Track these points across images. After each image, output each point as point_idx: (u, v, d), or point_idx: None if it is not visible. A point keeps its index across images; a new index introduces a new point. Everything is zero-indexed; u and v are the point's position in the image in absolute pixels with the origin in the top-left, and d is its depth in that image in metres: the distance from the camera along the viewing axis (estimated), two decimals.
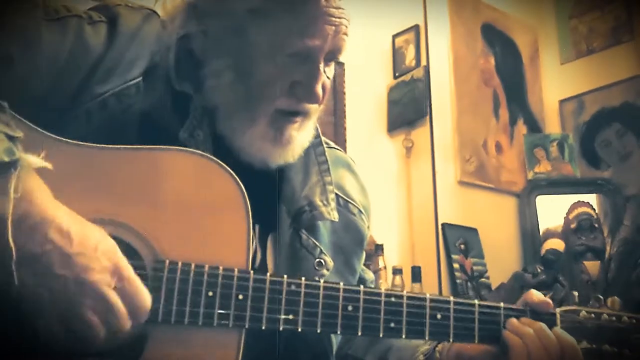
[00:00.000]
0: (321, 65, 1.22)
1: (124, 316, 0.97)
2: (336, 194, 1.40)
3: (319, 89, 1.23)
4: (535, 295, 1.24)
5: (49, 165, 0.97)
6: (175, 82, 1.23)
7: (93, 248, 0.96)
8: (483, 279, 3.84)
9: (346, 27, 1.22)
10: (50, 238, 0.92)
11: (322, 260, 1.25)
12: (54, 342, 0.94)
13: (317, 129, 1.40)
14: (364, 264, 1.52)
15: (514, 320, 1.20)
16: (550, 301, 1.23)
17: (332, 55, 1.25)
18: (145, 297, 1.00)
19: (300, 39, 1.18)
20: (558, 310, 1.24)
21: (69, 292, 0.92)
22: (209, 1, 1.24)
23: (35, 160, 0.97)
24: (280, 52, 1.19)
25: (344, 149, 3.67)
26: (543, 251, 3.89)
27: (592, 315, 1.24)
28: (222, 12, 1.22)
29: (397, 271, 3.51)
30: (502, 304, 1.21)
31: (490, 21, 4.37)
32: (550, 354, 1.16)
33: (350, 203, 1.45)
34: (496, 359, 1.22)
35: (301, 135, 1.28)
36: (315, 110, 1.29)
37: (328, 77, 1.27)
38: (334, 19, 1.19)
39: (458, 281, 3.74)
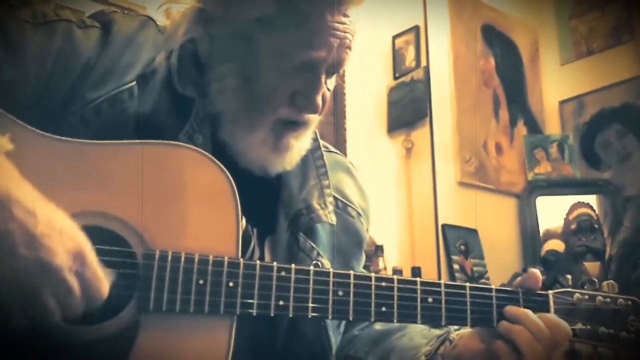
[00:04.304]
0: (323, 77, 1.24)
1: (79, 302, 0.95)
2: (335, 197, 1.40)
3: (319, 100, 1.24)
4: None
5: (11, 147, 0.96)
6: (178, 86, 1.23)
7: (58, 231, 0.94)
8: (483, 280, 3.84)
9: (350, 41, 1.23)
10: (15, 216, 0.90)
11: (318, 263, 1.25)
12: (7, 324, 0.92)
13: (316, 132, 1.41)
14: (364, 266, 1.52)
15: (502, 324, 1.19)
16: (537, 271, 1.23)
17: (335, 68, 1.26)
18: (102, 285, 0.97)
19: (304, 50, 1.19)
20: (551, 292, 1.23)
21: (31, 273, 0.90)
22: (217, 6, 1.25)
23: (1, 142, 0.96)
24: (285, 62, 1.20)
25: (344, 149, 3.68)
26: (543, 252, 3.89)
27: (586, 297, 1.23)
28: (230, 19, 1.23)
29: (397, 272, 3.52)
30: (493, 286, 1.21)
31: (490, 22, 4.39)
32: (541, 339, 1.16)
33: (349, 206, 1.45)
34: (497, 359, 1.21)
35: (299, 143, 1.29)
36: (315, 120, 1.30)
37: (329, 89, 1.28)
38: (338, 32, 1.20)
39: (458, 282, 3.73)
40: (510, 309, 1.20)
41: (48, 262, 0.91)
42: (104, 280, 0.98)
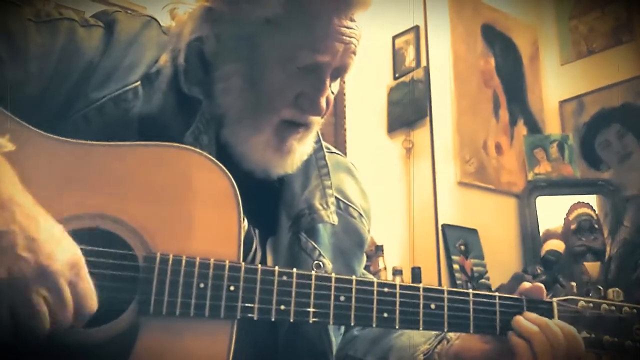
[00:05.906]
0: (328, 80, 1.24)
1: (70, 314, 0.92)
2: (336, 198, 1.40)
3: (323, 102, 1.24)
4: (527, 283, 1.24)
5: (13, 147, 0.96)
6: (185, 86, 1.23)
7: (58, 239, 0.94)
8: (483, 280, 3.84)
9: (355, 46, 1.24)
10: (17, 219, 0.90)
11: (320, 263, 1.25)
12: None
13: (318, 133, 1.41)
14: (364, 266, 1.52)
15: (521, 320, 1.19)
16: (541, 285, 1.22)
17: (339, 72, 1.27)
18: (92, 301, 0.96)
19: (310, 53, 1.19)
20: (555, 299, 1.22)
21: (27, 276, 0.88)
22: (224, 6, 1.25)
23: (2, 143, 0.96)
24: (290, 64, 1.20)
25: (344, 149, 3.68)
26: (543, 252, 3.89)
27: (591, 304, 1.22)
28: (237, 19, 1.23)
29: (397, 272, 3.51)
30: (497, 294, 1.20)
31: (490, 22, 4.38)
32: (556, 352, 1.16)
33: (351, 206, 1.45)
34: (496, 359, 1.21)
35: (301, 147, 1.29)
36: (317, 123, 1.31)
37: (332, 92, 1.28)
38: (344, 37, 1.21)
39: (458, 282, 3.74)
40: (530, 315, 1.19)
41: (47, 266, 0.90)
42: (94, 297, 0.96)
